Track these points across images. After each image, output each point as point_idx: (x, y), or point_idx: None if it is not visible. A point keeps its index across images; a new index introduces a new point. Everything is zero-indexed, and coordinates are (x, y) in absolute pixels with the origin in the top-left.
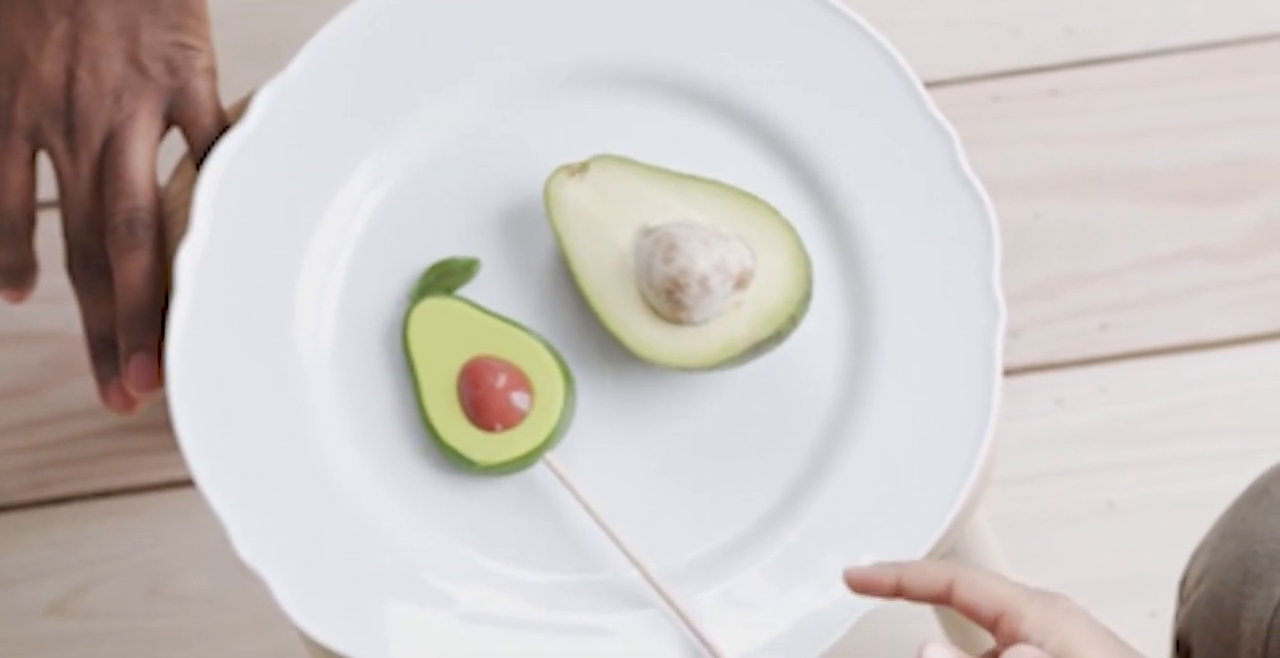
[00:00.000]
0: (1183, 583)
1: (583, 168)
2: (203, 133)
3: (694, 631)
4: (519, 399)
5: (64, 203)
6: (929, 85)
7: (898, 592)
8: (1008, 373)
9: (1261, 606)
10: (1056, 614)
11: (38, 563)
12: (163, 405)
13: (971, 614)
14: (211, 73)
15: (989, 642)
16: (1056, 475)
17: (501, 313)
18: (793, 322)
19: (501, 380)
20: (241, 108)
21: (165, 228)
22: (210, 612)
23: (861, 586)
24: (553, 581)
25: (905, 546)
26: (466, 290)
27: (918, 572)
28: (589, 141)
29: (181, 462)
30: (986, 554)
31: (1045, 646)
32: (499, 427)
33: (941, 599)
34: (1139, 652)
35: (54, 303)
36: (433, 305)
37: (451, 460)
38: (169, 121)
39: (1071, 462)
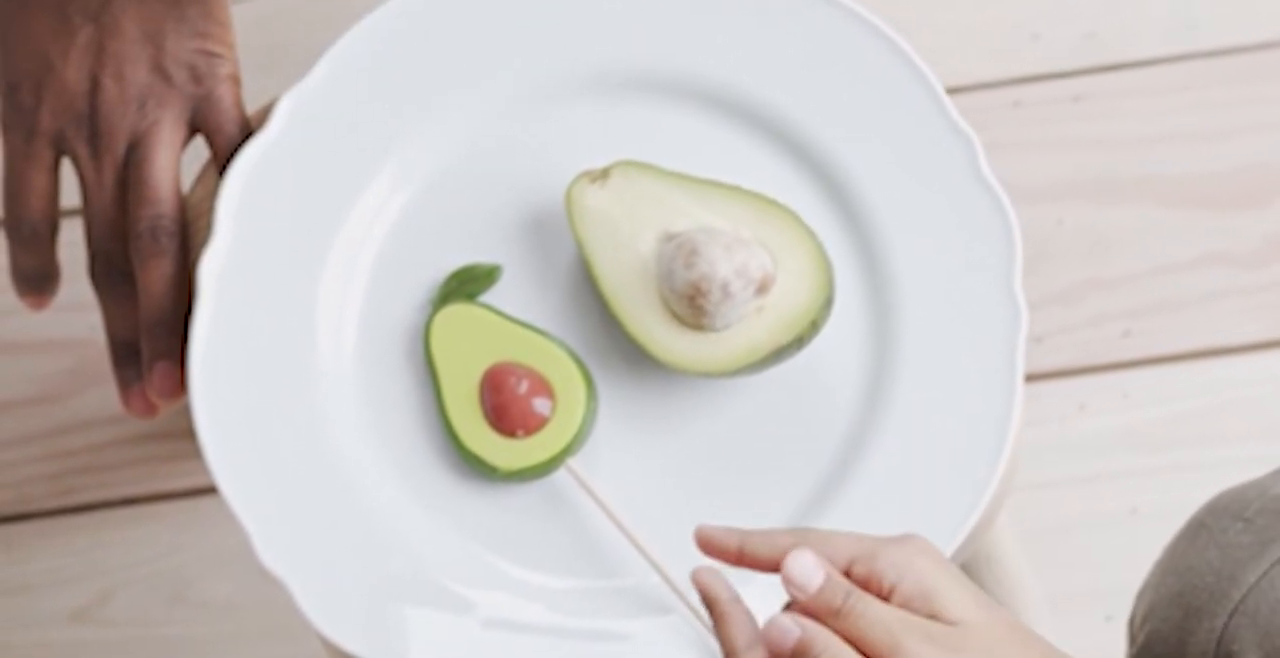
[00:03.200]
0: (1130, 623)
1: (604, 174)
2: (227, 140)
3: (715, 636)
4: (541, 405)
5: (87, 209)
6: (950, 91)
7: (740, 558)
8: (1030, 379)
9: (1204, 639)
10: (911, 553)
11: (61, 570)
12: (185, 413)
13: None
14: (235, 80)
15: None
16: (1079, 481)
17: (523, 319)
18: (814, 327)
19: (523, 386)
20: (263, 115)
21: (188, 235)
22: (232, 619)
23: (705, 545)
24: (574, 586)
25: None
26: (488, 296)
27: (763, 538)
28: (610, 147)
29: (204, 469)
30: (1009, 561)
31: (902, 584)
32: (521, 433)
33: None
34: (982, 591)
35: (77, 311)
36: (454, 312)
37: (473, 466)
38: (193, 129)
39: (1094, 468)
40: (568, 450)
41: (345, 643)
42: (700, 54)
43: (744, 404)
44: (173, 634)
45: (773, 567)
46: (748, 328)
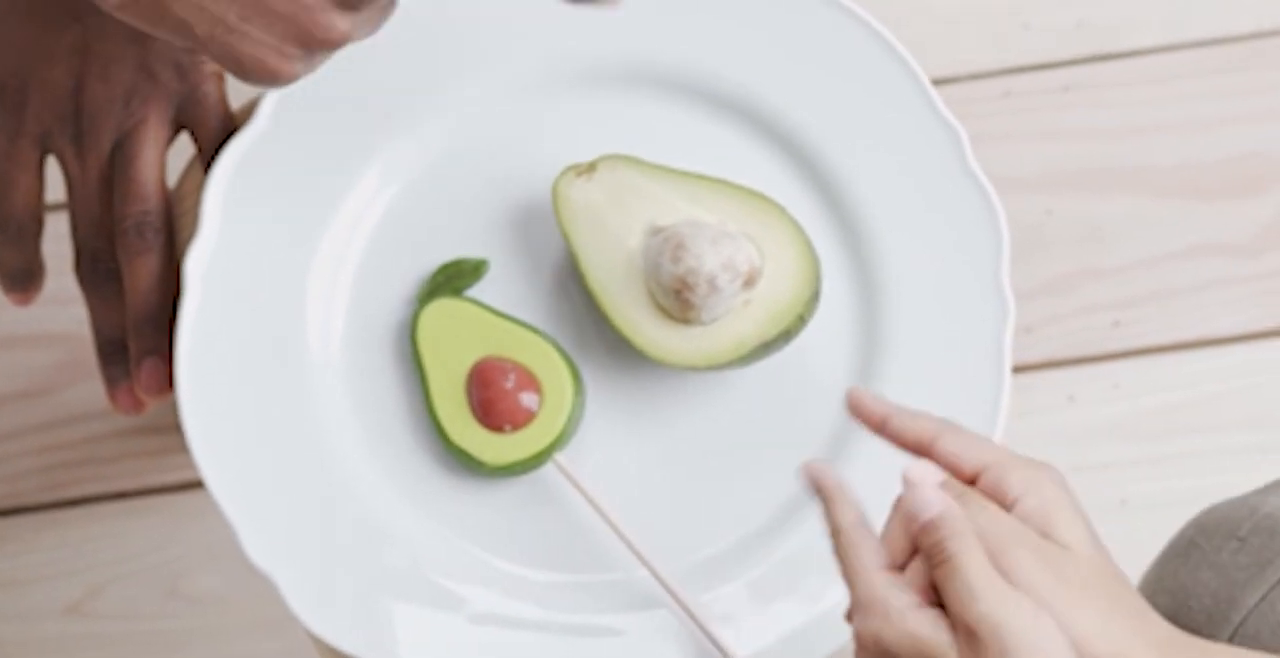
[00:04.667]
0: None
1: (590, 168)
2: (211, 136)
3: (704, 630)
4: (528, 400)
5: (73, 208)
6: (941, 81)
7: (882, 427)
8: (1020, 370)
9: None
10: (1042, 476)
11: (52, 564)
12: (175, 407)
13: (953, 468)
14: (220, 77)
15: None
16: (1069, 472)
17: (510, 313)
18: (801, 321)
19: (510, 381)
20: (249, 110)
21: (174, 231)
22: (224, 612)
23: (855, 407)
24: (562, 581)
25: None
26: (475, 291)
27: (910, 418)
28: (596, 141)
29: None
30: None
31: (1025, 499)
32: (508, 428)
33: (922, 449)
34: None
35: (66, 305)
36: (441, 306)
37: (461, 461)
38: (178, 125)
39: (1084, 459)
40: (555, 445)
41: (333, 638)
42: (685, 48)
43: (731, 398)
44: (164, 628)
45: (908, 445)
46: (735, 321)
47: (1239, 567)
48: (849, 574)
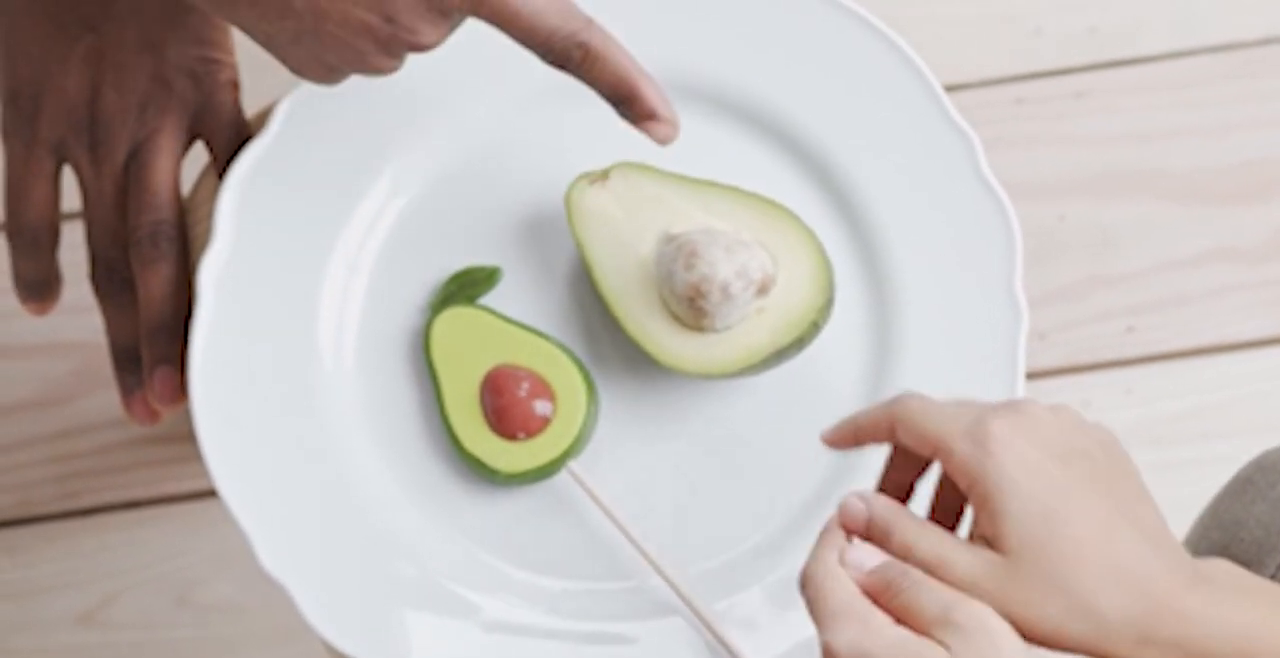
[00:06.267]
0: None
1: (604, 176)
2: (225, 145)
3: (718, 637)
4: (542, 407)
5: (88, 217)
6: (953, 88)
7: (858, 439)
8: (1034, 376)
9: None
10: (984, 455)
11: (66, 573)
12: (188, 416)
13: (917, 453)
14: (235, 85)
15: None
16: None
17: (523, 321)
18: (815, 328)
19: (524, 389)
20: (263, 118)
21: (188, 239)
22: (237, 621)
23: (837, 442)
24: (575, 588)
25: None
26: (488, 299)
27: (867, 417)
28: (610, 149)
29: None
30: None
31: (972, 491)
32: (522, 435)
33: (893, 439)
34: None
35: (81, 314)
36: (455, 314)
37: (474, 469)
38: (193, 134)
39: None
40: (569, 453)
41: (347, 647)
42: (698, 55)
43: (745, 406)
44: (178, 637)
45: (884, 440)
46: (748, 329)
47: None
48: (819, 587)
